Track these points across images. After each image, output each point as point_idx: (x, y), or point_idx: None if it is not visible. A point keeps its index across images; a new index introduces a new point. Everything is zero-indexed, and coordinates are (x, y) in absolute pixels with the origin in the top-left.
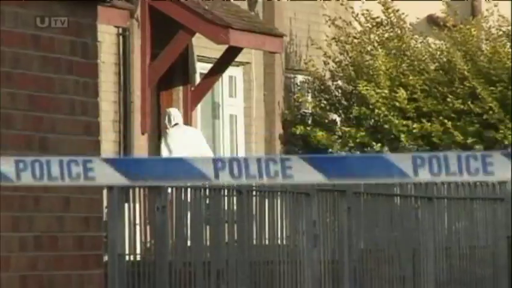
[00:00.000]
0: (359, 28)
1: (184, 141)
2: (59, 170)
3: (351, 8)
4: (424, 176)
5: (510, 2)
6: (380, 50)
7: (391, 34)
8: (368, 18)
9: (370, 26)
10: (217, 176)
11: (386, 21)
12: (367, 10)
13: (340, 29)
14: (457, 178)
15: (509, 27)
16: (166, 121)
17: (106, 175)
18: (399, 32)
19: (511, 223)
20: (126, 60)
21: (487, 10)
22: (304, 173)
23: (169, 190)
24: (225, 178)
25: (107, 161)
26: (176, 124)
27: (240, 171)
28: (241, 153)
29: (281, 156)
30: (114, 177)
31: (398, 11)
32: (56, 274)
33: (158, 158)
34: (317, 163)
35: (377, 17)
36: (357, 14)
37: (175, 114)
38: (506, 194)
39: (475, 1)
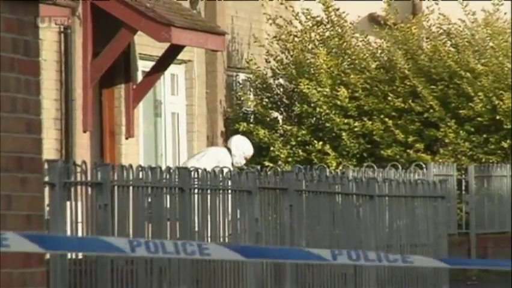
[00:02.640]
0: (300, 27)
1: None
2: None
3: (291, 7)
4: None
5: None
6: (321, 49)
7: (332, 33)
8: (309, 17)
9: (310, 24)
10: (133, 250)
11: (326, 20)
12: (307, 9)
13: (281, 28)
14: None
15: (450, 26)
16: (234, 150)
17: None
18: (339, 30)
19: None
20: (68, 58)
21: (427, 8)
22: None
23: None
24: (141, 252)
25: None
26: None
27: (157, 248)
28: (183, 151)
29: (198, 242)
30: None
31: (338, 9)
32: None
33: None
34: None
35: (318, 16)
36: (298, 13)
37: (242, 144)
38: (447, 192)
39: (416, 0)
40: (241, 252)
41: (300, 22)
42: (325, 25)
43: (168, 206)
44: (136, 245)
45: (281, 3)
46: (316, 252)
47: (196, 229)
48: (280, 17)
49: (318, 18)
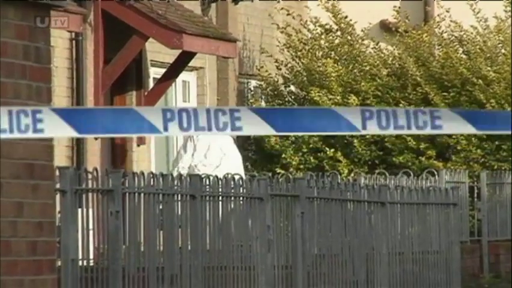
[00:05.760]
0: (309, 35)
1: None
2: (8, 122)
3: (299, 15)
4: (372, 129)
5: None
6: (328, 59)
7: (341, 40)
8: (317, 25)
9: (319, 32)
10: (166, 129)
11: (335, 28)
12: (315, 17)
13: (290, 37)
14: (405, 131)
15: (461, 33)
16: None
17: (55, 127)
18: (349, 38)
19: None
20: (79, 64)
21: (438, 15)
22: (253, 125)
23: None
24: (174, 131)
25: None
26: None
27: (189, 123)
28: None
29: (230, 107)
30: (64, 130)
31: (346, 17)
32: (9, 279)
33: (108, 108)
34: (266, 115)
35: (326, 24)
36: (306, 21)
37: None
38: (459, 199)
39: (427, 6)
40: (273, 125)
41: (309, 30)
42: (334, 32)
43: (180, 213)
44: (169, 119)
45: (288, 14)
46: (346, 120)
47: (208, 236)
48: (289, 25)
49: (327, 26)
